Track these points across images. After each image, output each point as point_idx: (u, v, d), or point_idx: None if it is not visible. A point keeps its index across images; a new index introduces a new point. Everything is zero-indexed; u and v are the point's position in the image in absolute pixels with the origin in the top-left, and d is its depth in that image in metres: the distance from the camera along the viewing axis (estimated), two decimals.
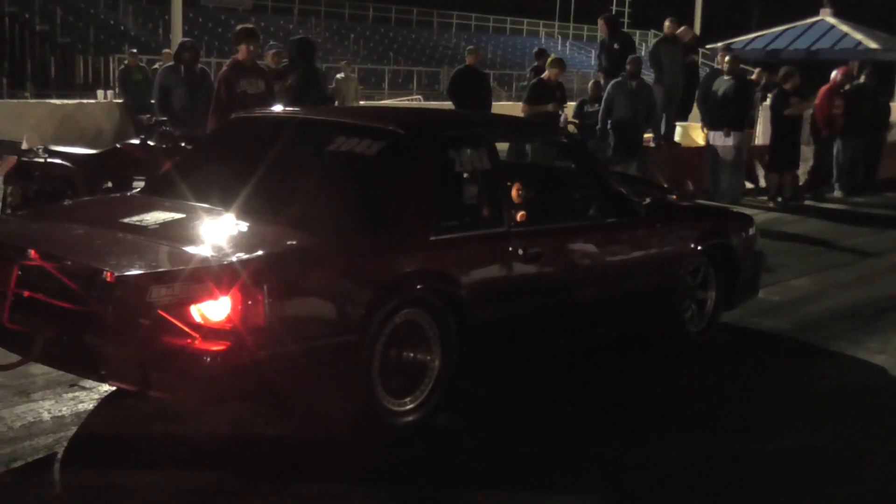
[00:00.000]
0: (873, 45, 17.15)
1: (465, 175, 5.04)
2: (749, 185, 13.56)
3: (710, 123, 12.55)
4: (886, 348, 6.32)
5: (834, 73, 13.73)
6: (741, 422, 4.98)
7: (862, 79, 14.67)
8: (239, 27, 9.01)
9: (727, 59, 13.06)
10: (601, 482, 4.12)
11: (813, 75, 17.50)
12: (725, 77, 12.53)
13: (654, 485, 4.12)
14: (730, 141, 12.18)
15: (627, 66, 11.61)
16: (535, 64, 14.43)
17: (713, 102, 12.39)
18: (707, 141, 12.75)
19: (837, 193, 14.18)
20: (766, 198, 13.12)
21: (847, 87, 13.75)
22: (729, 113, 12.21)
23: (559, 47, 41.48)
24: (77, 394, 4.79)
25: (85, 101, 19.51)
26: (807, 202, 13.52)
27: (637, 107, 11.50)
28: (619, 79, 11.77)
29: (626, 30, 17.99)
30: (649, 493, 4.03)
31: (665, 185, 8.93)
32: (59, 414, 4.55)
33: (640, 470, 4.27)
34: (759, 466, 4.38)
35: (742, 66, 14.09)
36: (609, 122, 11.57)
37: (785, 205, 12.91)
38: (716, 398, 5.34)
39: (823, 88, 13.74)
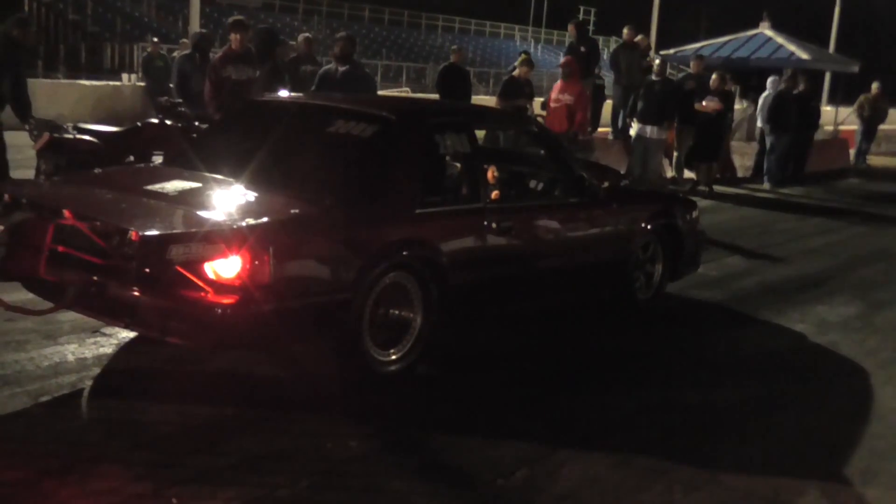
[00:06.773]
0: (805, 55, 17.16)
1: (448, 157, 5.05)
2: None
3: (642, 118, 12.02)
4: (805, 318, 6.40)
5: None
6: (680, 377, 5.04)
7: (783, 85, 14.51)
8: (231, 19, 8.72)
9: (656, 62, 12.84)
10: (560, 427, 4.16)
11: (752, 81, 17.57)
12: (655, 78, 12.19)
13: (605, 429, 4.17)
14: (661, 134, 11.95)
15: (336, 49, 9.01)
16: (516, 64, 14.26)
17: (646, 100, 11.94)
18: (636, 133, 12.22)
19: (766, 185, 14.18)
20: (704, 187, 12.93)
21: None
22: (662, 109, 11.80)
23: (532, 49, 41.30)
24: (98, 339, 4.79)
25: (111, 83, 19.32)
26: (740, 191, 13.53)
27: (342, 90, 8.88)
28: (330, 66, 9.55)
29: (591, 35, 17.88)
30: (600, 437, 4.08)
31: (622, 172, 8.95)
32: (83, 356, 4.55)
33: (593, 417, 4.32)
34: (694, 415, 4.45)
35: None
36: None
37: (718, 193, 12.85)
38: (659, 357, 5.40)
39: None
